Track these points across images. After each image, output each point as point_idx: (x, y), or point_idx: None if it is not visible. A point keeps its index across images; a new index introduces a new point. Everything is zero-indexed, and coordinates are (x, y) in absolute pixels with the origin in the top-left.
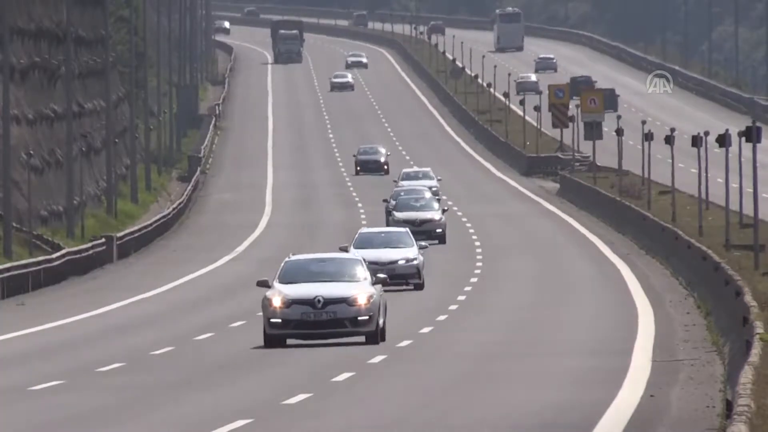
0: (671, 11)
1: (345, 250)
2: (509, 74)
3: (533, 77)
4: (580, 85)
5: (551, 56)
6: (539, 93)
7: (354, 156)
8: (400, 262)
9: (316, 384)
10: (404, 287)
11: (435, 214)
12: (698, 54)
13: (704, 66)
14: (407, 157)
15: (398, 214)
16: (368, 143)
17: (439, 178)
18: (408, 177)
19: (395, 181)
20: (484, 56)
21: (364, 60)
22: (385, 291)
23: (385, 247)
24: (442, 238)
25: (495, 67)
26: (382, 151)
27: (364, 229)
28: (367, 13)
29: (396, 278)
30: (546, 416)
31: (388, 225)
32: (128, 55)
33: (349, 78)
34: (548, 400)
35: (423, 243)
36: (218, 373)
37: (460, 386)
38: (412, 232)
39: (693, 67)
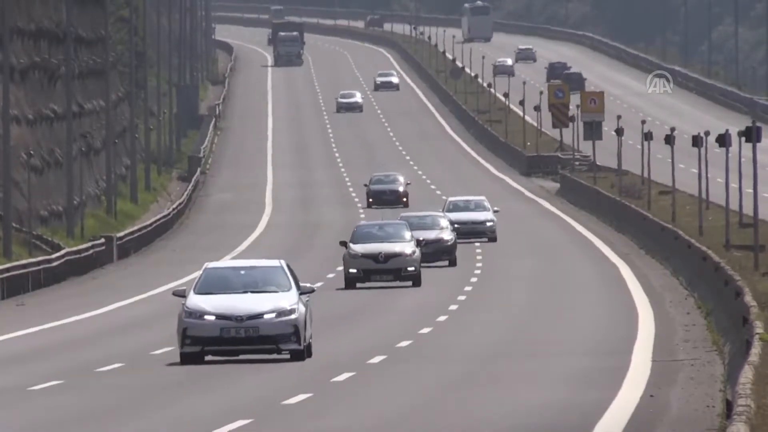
0: (671, 11)
1: (181, 295)
2: (484, 57)
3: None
4: (557, 70)
5: (530, 47)
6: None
7: (365, 186)
8: (267, 317)
9: (316, 384)
10: (274, 357)
11: (405, 247)
12: (698, 54)
13: (704, 66)
14: (407, 158)
15: (355, 247)
16: (382, 170)
17: (495, 209)
18: (456, 208)
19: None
20: (484, 57)
21: (395, 80)
22: (241, 361)
23: (245, 291)
24: (415, 280)
25: (494, 66)
26: (401, 179)
27: (213, 264)
28: (378, 16)
29: (259, 342)
30: (546, 416)
31: (344, 261)
32: (128, 55)
33: (358, 98)
34: (548, 399)
35: (308, 285)
36: (218, 373)
37: (461, 386)
38: (375, 271)
39: (693, 67)
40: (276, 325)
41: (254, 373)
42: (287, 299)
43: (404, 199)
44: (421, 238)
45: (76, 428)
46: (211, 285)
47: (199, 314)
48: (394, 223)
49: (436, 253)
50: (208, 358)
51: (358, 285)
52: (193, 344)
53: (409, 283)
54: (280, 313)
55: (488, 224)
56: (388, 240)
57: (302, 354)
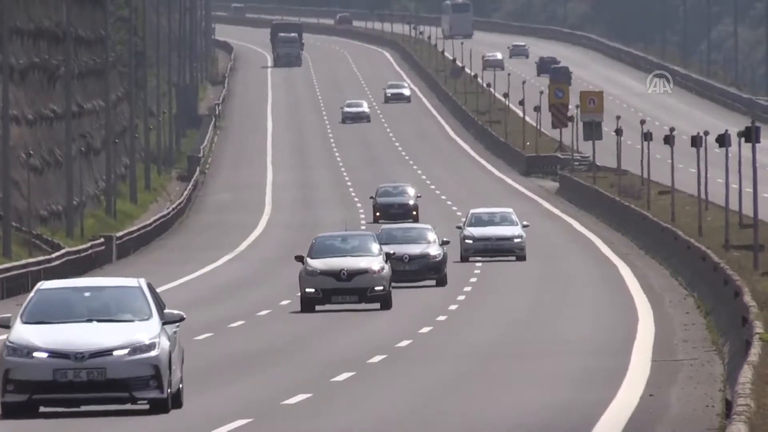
0: (670, 11)
1: (4, 325)
2: (483, 56)
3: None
4: (547, 65)
5: (523, 44)
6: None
7: (372, 198)
8: (118, 354)
9: (316, 384)
10: (127, 407)
11: (372, 262)
12: (697, 54)
13: (703, 66)
14: (406, 158)
15: (314, 263)
16: (390, 181)
17: (525, 223)
18: (479, 222)
19: (459, 228)
20: (483, 56)
21: (407, 92)
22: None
23: (90, 320)
24: (384, 301)
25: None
26: (410, 191)
27: (48, 283)
28: (347, 14)
29: (107, 389)
30: (545, 416)
31: (300, 279)
32: (128, 55)
33: (365, 107)
34: (547, 399)
35: (176, 312)
36: (217, 373)
37: (460, 386)
38: (336, 291)
39: (692, 67)
40: (129, 365)
41: (253, 374)
42: (146, 331)
43: (414, 213)
44: (393, 253)
45: (75, 428)
46: (44, 311)
47: (27, 351)
48: (359, 234)
49: (421, 270)
50: (44, 408)
51: (318, 308)
52: (18, 391)
53: (377, 305)
54: (136, 349)
55: (516, 241)
56: (352, 254)
57: (165, 404)
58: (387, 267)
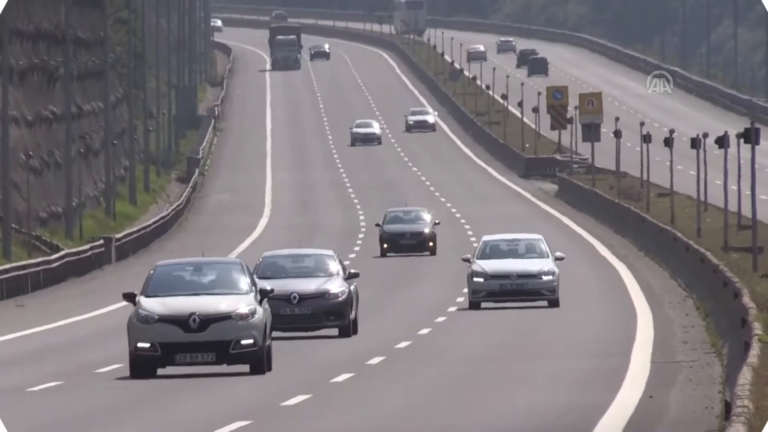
0: (670, 13)
1: None
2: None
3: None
4: (527, 57)
5: (510, 39)
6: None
7: (378, 225)
8: None
9: (315, 385)
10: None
11: (239, 303)
12: (697, 56)
13: (703, 67)
14: (405, 158)
15: (149, 304)
16: (402, 205)
17: (559, 254)
18: (496, 252)
19: (466, 261)
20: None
21: (431, 120)
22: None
23: None
24: (256, 361)
25: (494, 69)
26: (426, 217)
27: None
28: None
29: None
30: (545, 418)
31: (129, 329)
32: (127, 57)
33: (375, 128)
34: (547, 401)
35: None
36: (217, 374)
37: (459, 388)
38: (183, 346)
39: (692, 69)
40: None
41: (252, 375)
42: None
43: (431, 244)
44: (272, 290)
45: (75, 429)
46: None
47: None
48: (219, 261)
49: (316, 314)
50: None
51: (159, 371)
52: None
53: (246, 368)
54: None
55: (545, 278)
56: (208, 291)
57: None
58: (262, 310)
